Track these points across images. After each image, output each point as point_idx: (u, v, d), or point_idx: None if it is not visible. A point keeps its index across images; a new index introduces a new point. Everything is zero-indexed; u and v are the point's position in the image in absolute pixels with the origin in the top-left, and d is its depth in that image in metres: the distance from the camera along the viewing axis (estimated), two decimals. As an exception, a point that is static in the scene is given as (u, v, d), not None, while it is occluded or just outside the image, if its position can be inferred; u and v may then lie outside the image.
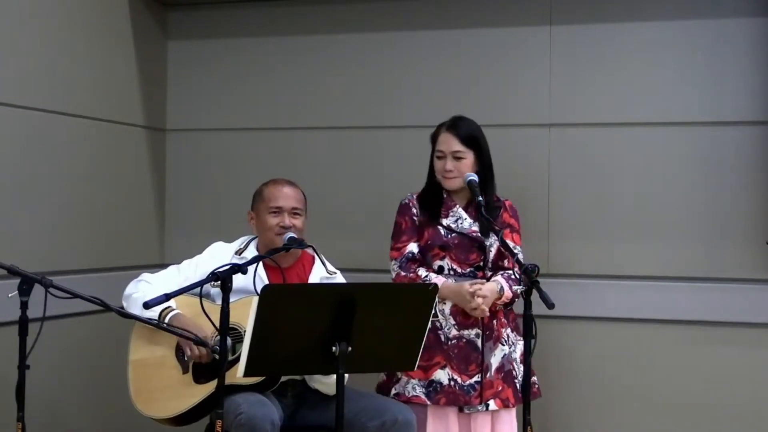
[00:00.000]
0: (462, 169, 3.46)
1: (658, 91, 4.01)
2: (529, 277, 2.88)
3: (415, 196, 3.56)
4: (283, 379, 3.22)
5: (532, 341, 2.87)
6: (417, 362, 2.93)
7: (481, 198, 3.34)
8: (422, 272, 3.45)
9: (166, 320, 3.18)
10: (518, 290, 3.39)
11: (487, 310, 3.36)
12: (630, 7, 4.04)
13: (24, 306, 2.77)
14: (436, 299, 2.97)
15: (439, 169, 3.51)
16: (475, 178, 3.42)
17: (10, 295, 2.78)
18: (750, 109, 3.90)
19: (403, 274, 3.47)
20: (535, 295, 2.86)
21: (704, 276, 3.93)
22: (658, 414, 3.97)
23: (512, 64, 4.16)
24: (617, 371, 4.01)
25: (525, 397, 2.93)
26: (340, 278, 3.47)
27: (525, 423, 2.88)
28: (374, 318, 2.74)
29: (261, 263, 3.30)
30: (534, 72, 4.13)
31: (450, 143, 3.49)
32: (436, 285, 2.88)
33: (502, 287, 3.40)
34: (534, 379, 3.47)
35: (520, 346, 3.49)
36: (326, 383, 3.20)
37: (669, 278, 3.97)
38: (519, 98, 4.15)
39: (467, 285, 3.36)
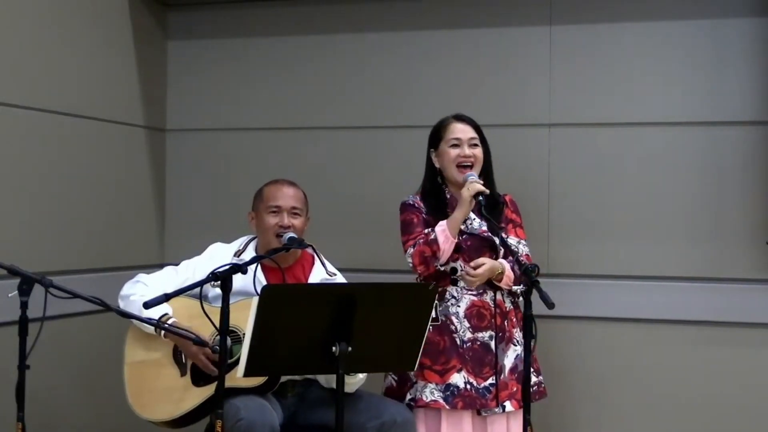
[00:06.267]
0: (479, 157, 3.45)
1: (658, 91, 4.01)
2: (529, 277, 2.87)
3: (417, 197, 3.51)
4: (283, 379, 3.21)
5: (532, 341, 2.87)
6: (417, 362, 2.92)
7: (481, 198, 3.33)
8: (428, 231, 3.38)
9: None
10: (518, 290, 3.38)
11: (475, 274, 3.33)
12: (630, 7, 4.04)
13: (24, 306, 2.76)
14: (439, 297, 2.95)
15: (454, 158, 3.44)
16: (475, 177, 3.41)
17: (10, 295, 2.78)
18: (750, 109, 3.89)
19: (420, 244, 3.34)
20: (535, 295, 2.85)
21: (704, 276, 3.93)
22: (658, 414, 3.96)
23: (512, 64, 4.16)
24: (617, 371, 4.01)
25: (525, 396, 2.93)
26: (340, 279, 3.46)
27: (525, 423, 2.87)
28: (374, 318, 2.74)
29: (260, 265, 3.29)
30: (534, 72, 4.13)
31: (466, 131, 3.47)
32: (436, 285, 2.87)
33: (504, 267, 3.38)
34: (540, 378, 3.47)
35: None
36: (348, 383, 3.16)
37: (669, 278, 3.97)
38: (519, 98, 4.15)
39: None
